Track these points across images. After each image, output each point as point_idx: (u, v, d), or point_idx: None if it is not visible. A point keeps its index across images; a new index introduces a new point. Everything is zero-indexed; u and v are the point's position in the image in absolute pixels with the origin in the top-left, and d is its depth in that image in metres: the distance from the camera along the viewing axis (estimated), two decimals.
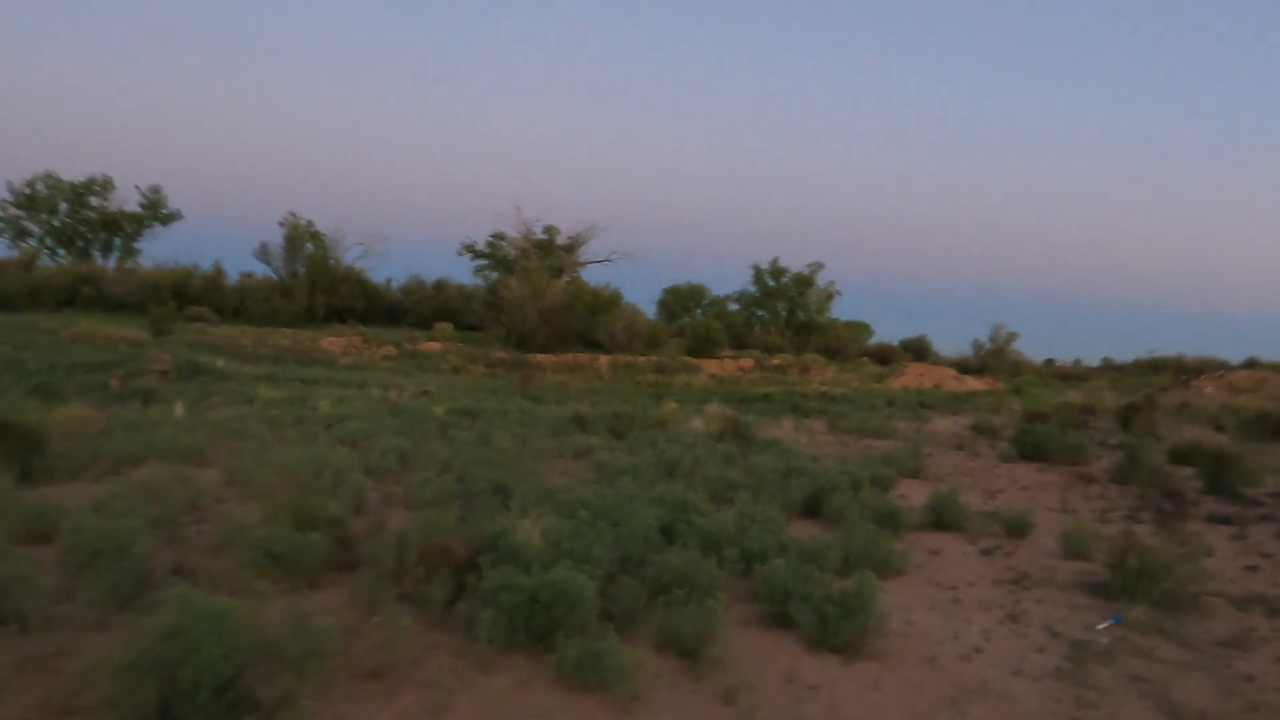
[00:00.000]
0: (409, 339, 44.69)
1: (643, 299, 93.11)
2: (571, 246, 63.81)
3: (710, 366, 50.58)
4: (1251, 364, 57.81)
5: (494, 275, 59.94)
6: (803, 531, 9.06)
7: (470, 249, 62.33)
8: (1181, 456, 15.83)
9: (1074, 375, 61.82)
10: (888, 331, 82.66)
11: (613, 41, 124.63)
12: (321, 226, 55.05)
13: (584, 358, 46.93)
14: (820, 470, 11.35)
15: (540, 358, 44.42)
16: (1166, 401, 31.91)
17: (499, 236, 61.98)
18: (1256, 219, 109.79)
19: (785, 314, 70.30)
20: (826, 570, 6.86)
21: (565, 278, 59.15)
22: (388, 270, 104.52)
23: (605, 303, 50.67)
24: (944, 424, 21.77)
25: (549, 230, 62.96)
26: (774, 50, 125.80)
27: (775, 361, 55.55)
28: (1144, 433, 18.56)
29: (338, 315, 50.82)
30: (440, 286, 59.35)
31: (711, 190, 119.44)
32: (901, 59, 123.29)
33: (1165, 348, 75.01)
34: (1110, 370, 66.94)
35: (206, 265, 52.52)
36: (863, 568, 6.73)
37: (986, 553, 8.64)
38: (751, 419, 19.23)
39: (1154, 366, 66.69)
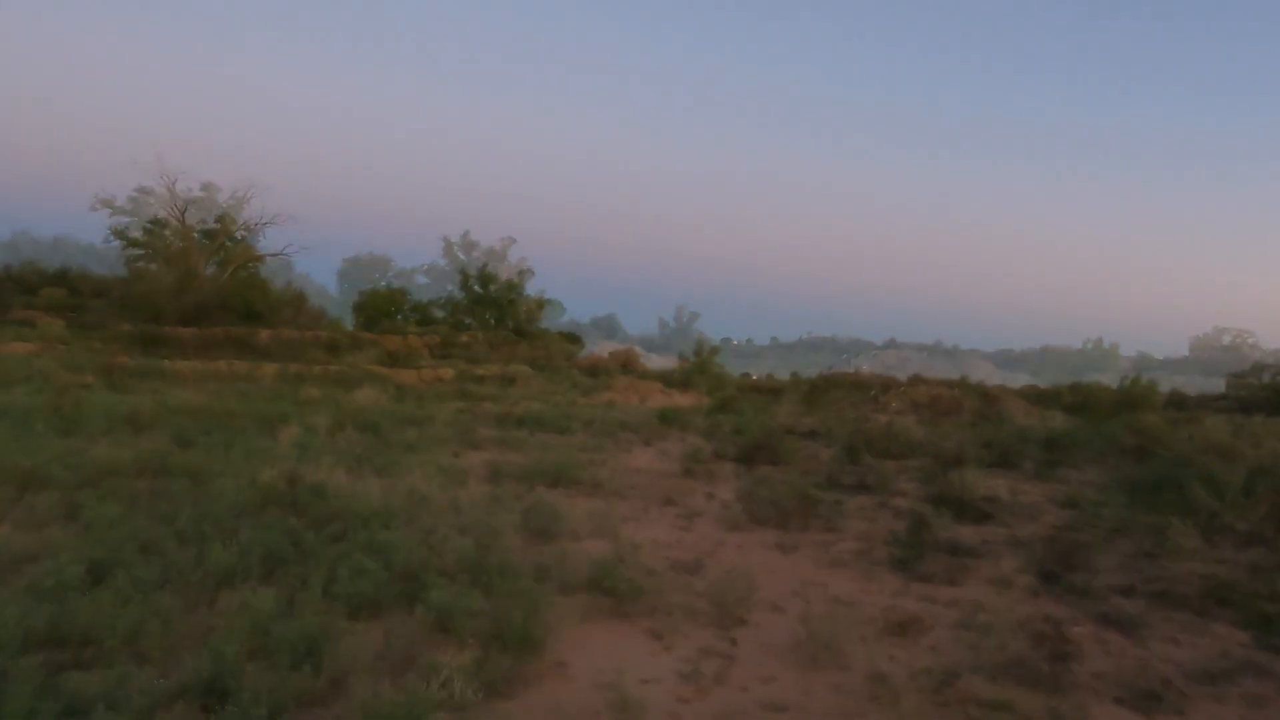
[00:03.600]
0: None
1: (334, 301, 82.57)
2: (247, 236, 53.39)
3: (407, 377, 43.03)
4: (917, 381, 60.11)
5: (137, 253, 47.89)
6: None
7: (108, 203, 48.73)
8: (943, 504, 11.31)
9: (769, 389, 60.99)
10: (579, 310, 78.90)
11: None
12: None
13: (244, 366, 37.60)
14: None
15: (179, 365, 34.65)
16: (869, 419, 29.27)
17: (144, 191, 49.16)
18: (898, 212, 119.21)
19: (494, 322, 64.12)
20: None
21: (236, 269, 48.73)
22: None
23: (276, 301, 41.35)
24: (647, 457, 16.35)
25: (223, 220, 51.96)
26: (456, 26, 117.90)
27: (480, 373, 49.15)
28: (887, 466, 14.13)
29: None
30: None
31: (404, 174, 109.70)
32: (589, 38, 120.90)
33: (820, 328, 77.91)
34: (801, 384, 67.45)
35: None
36: None
37: None
38: (383, 460, 12.59)
39: (832, 383, 68.18)
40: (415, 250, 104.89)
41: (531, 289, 65.79)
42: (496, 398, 36.12)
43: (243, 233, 51.67)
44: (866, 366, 40.07)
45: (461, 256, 62.36)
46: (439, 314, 64.35)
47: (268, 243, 51.75)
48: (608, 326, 62.07)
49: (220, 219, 51.92)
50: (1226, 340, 57.98)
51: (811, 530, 9.82)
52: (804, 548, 9.04)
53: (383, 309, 61.08)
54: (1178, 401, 57.76)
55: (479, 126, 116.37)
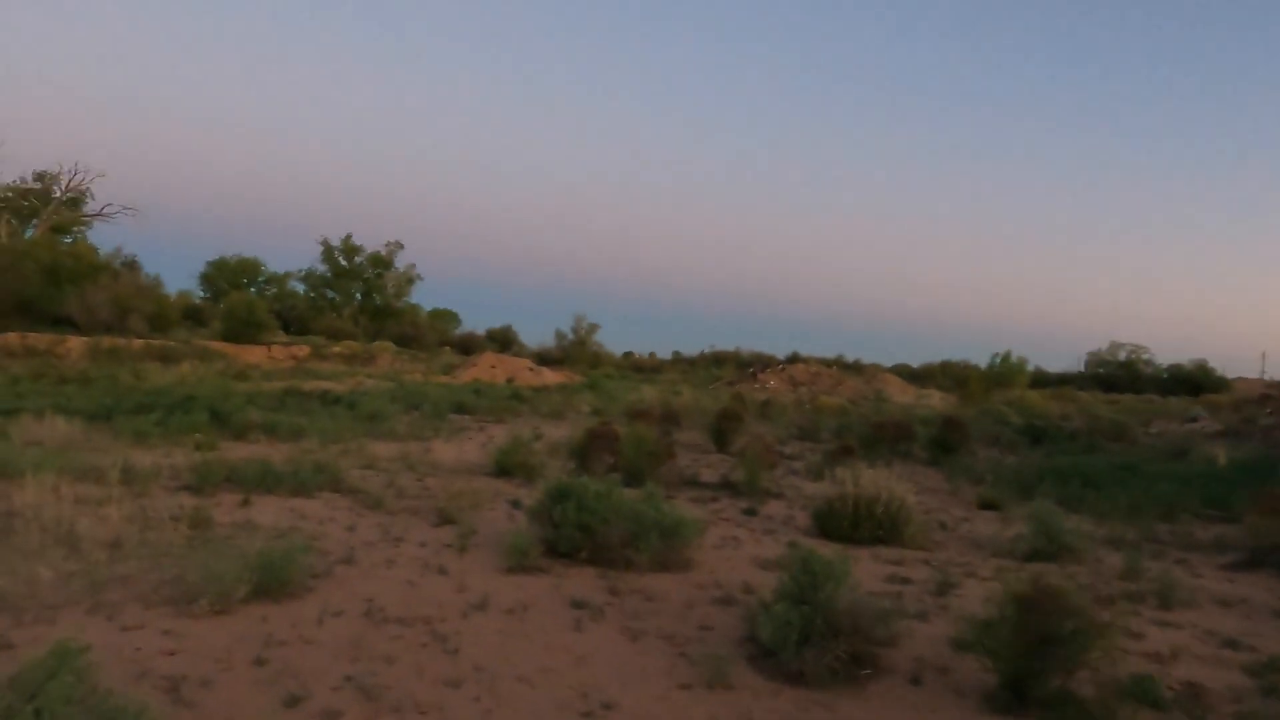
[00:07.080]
0: None
1: (182, 274, 74.91)
2: (76, 200, 46.78)
3: (253, 355, 37.62)
4: (795, 359, 57.96)
5: None
6: None
7: None
8: (835, 522, 7.94)
9: (649, 367, 57.67)
10: (476, 321, 74.68)
11: None
12: None
13: (43, 339, 31.65)
14: None
15: None
16: (746, 398, 26.18)
17: None
18: (798, 231, 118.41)
19: (360, 297, 58.29)
20: None
21: (48, 231, 41.96)
22: None
23: (86, 268, 35.11)
24: (461, 449, 12.44)
25: (42, 177, 45.20)
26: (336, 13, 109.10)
27: (337, 350, 43.93)
28: (760, 461, 10.68)
29: None
30: None
31: (280, 166, 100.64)
32: (485, 45, 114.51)
33: (724, 343, 75.25)
34: (681, 363, 64.41)
35: None
36: None
37: None
38: (39, 456, 8.24)
39: (717, 360, 65.39)
40: (293, 255, 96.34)
41: (422, 297, 60.63)
42: (338, 375, 31.40)
43: (59, 193, 44.88)
44: (773, 381, 37.64)
45: (343, 262, 56.32)
46: (298, 287, 58.26)
47: (92, 206, 45.14)
48: (503, 339, 57.61)
49: (40, 177, 45.33)
50: (1122, 355, 58.28)
51: (638, 568, 6.19)
52: (617, 606, 5.39)
53: (234, 280, 54.63)
54: (1041, 380, 58.00)
55: (365, 128, 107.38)
